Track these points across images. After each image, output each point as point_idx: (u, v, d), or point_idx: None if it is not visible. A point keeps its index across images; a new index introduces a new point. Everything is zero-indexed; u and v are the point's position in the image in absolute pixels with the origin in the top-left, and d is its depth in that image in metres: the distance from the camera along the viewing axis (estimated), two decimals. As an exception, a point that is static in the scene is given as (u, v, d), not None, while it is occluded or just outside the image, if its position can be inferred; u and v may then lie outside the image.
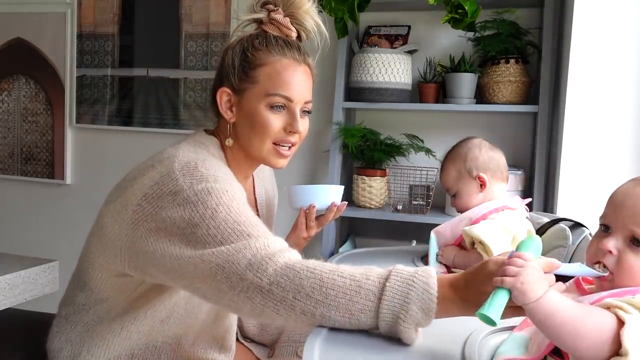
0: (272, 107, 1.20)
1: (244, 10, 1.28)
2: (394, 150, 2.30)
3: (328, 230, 2.26)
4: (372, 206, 2.30)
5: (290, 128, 1.21)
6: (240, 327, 1.47)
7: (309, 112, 1.26)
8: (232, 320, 1.33)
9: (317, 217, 1.41)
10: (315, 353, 0.86)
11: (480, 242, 1.34)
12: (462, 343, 0.88)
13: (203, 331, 1.28)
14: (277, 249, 0.95)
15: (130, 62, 2.82)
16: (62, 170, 2.95)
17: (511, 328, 0.91)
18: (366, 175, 2.30)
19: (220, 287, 0.94)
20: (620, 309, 0.68)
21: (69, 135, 2.94)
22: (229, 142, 1.24)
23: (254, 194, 1.41)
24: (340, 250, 2.29)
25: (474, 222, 1.40)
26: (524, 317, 0.87)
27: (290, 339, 1.40)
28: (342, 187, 1.44)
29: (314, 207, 1.38)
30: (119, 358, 1.21)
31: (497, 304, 0.72)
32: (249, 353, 1.45)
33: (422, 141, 2.31)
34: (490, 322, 0.73)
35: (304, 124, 1.24)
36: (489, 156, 1.48)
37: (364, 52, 2.25)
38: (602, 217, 0.79)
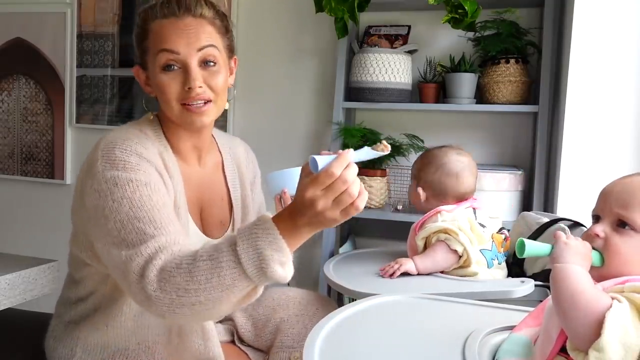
0: (164, 68, 1.18)
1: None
2: (394, 150, 2.30)
3: (328, 230, 2.26)
4: (372, 206, 2.30)
5: (187, 84, 1.18)
6: (237, 331, 1.46)
7: (213, 63, 1.20)
8: None
9: None
10: (315, 353, 0.86)
11: (441, 232, 1.44)
12: (462, 343, 0.88)
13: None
14: (160, 250, 1.00)
15: (130, 62, 2.81)
16: (62, 170, 2.95)
17: (510, 328, 0.91)
18: (366, 175, 2.29)
19: (130, 294, 1.04)
20: (616, 299, 0.71)
21: (69, 135, 2.94)
22: (149, 115, 1.29)
23: (223, 170, 1.40)
24: (340, 250, 2.29)
25: (416, 228, 1.53)
26: (522, 318, 0.88)
27: (283, 345, 1.40)
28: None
29: (285, 192, 1.33)
30: (114, 357, 1.22)
31: (537, 245, 0.80)
32: (244, 357, 1.44)
33: (422, 141, 2.31)
34: (521, 246, 0.80)
35: (211, 77, 1.20)
36: (439, 180, 1.56)
37: (364, 52, 2.25)
38: (593, 210, 0.83)
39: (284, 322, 1.42)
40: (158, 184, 1.13)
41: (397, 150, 2.30)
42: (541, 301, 0.90)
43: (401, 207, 2.28)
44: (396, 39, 2.37)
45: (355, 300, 1.14)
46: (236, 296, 0.97)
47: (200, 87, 1.18)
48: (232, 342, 1.46)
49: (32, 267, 1.35)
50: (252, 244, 0.94)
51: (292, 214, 0.96)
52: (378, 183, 2.29)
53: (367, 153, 1.00)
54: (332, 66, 2.44)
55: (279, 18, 2.58)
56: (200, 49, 1.18)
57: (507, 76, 2.14)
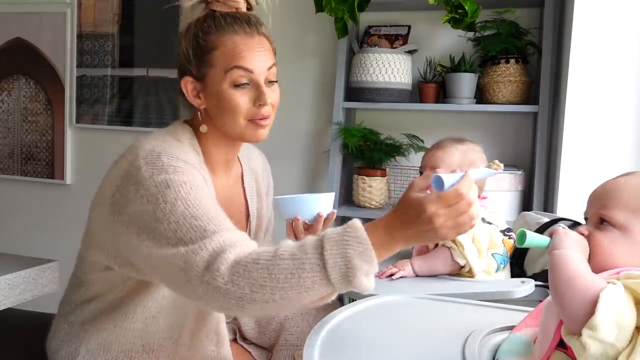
0: (236, 85, 1.19)
1: None
2: (394, 150, 2.30)
3: (328, 230, 2.26)
4: (372, 206, 2.30)
5: (258, 101, 1.20)
6: (239, 329, 1.46)
7: (275, 82, 1.24)
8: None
9: (309, 227, 1.34)
10: (315, 353, 0.86)
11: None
12: (462, 343, 0.88)
13: (198, 325, 1.27)
14: (230, 244, 0.98)
15: (130, 62, 2.82)
16: (62, 170, 2.95)
17: (510, 328, 0.91)
18: (366, 175, 2.30)
19: (187, 291, 0.99)
20: (611, 282, 0.74)
21: (69, 135, 2.94)
22: (203, 128, 1.24)
23: (242, 182, 1.40)
24: (340, 250, 2.28)
25: None
26: (522, 319, 0.88)
27: (287, 343, 1.39)
28: (332, 194, 1.35)
29: (298, 219, 1.31)
30: (117, 359, 1.21)
31: (537, 236, 0.84)
32: (247, 355, 1.44)
33: (422, 141, 2.31)
34: (522, 235, 0.83)
35: (273, 94, 1.23)
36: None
37: (364, 52, 2.25)
38: (584, 213, 0.88)
39: (288, 320, 1.42)
40: (206, 188, 1.12)
41: (397, 150, 2.30)
42: (541, 301, 0.90)
43: (401, 207, 2.28)
44: (396, 39, 2.37)
45: (355, 300, 1.14)
46: (311, 299, 0.94)
47: (268, 104, 1.22)
48: (234, 340, 1.45)
49: (32, 267, 1.35)
50: (340, 250, 0.91)
51: (391, 227, 0.93)
52: (378, 183, 2.29)
53: (484, 172, 1.01)
54: (332, 66, 2.44)
55: (278, 18, 2.58)
56: (269, 68, 1.22)
57: (507, 76, 2.14)
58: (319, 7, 2.20)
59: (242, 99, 1.19)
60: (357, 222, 0.94)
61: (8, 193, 3.09)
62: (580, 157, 1.90)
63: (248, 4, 1.26)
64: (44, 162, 3.00)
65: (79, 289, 1.25)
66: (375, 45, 2.32)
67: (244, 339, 1.46)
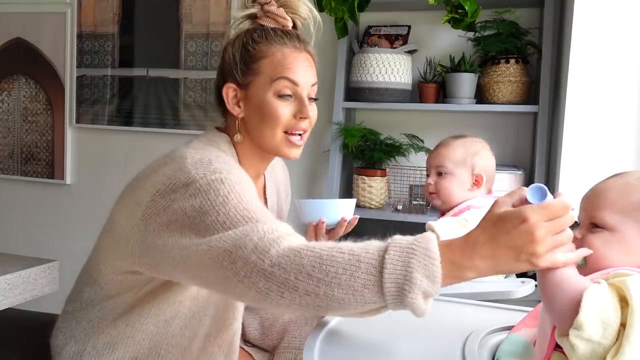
0: (280, 96, 1.20)
1: (237, 7, 1.29)
2: (394, 150, 2.30)
3: (328, 230, 2.26)
4: (372, 206, 2.30)
5: (300, 114, 1.21)
6: (242, 331, 1.45)
7: (315, 99, 1.27)
8: (239, 323, 1.32)
9: (328, 232, 1.37)
10: (315, 353, 0.86)
11: (432, 231, 1.40)
12: (462, 343, 0.88)
13: (209, 339, 1.26)
14: (283, 233, 0.94)
15: (130, 62, 2.82)
16: (62, 170, 2.95)
17: (510, 328, 0.91)
18: (366, 175, 2.30)
19: (226, 275, 0.92)
20: (596, 282, 0.76)
21: (69, 135, 2.94)
22: (238, 137, 1.24)
23: (265, 195, 1.41)
24: (340, 250, 2.28)
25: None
26: (520, 319, 0.88)
27: (290, 345, 1.39)
28: (354, 200, 1.38)
29: (323, 222, 1.33)
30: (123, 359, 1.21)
31: None
32: (249, 358, 1.44)
33: (422, 141, 2.31)
34: None
35: (313, 110, 1.25)
36: (492, 165, 1.51)
37: (364, 52, 2.25)
38: (577, 217, 0.89)
39: (292, 323, 1.41)
40: (256, 192, 1.11)
41: (397, 150, 2.30)
42: (540, 301, 0.90)
43: (401, 207, 2.28)
44: (396, 39, 2.37)
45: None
46: (355, 308, 0.85)
47: (309, 117, 1.24)
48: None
49: (32, 267, 1.35)
50: (403, 258, 0.81)
51: (473, 243, 0.82)
52: (378, 183, 2.29)
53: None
54: (332, 66, 2.44)
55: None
56: (312, 85, 1.25)
57: (507, 76, 2.14)
58: (319, 7, 2.20)
59: (283, 110, 1.20)
60: (430, 234, 0.84)
61: (8, 193, 3.09)
62: (580, 157, 1.90)
63: (294, 24, 1.29)
64: (44, 162, 3.00)
65: (91, 287, 1.23)
66: (375, 45, 2.32)
67: (245, 341, 1.46)
